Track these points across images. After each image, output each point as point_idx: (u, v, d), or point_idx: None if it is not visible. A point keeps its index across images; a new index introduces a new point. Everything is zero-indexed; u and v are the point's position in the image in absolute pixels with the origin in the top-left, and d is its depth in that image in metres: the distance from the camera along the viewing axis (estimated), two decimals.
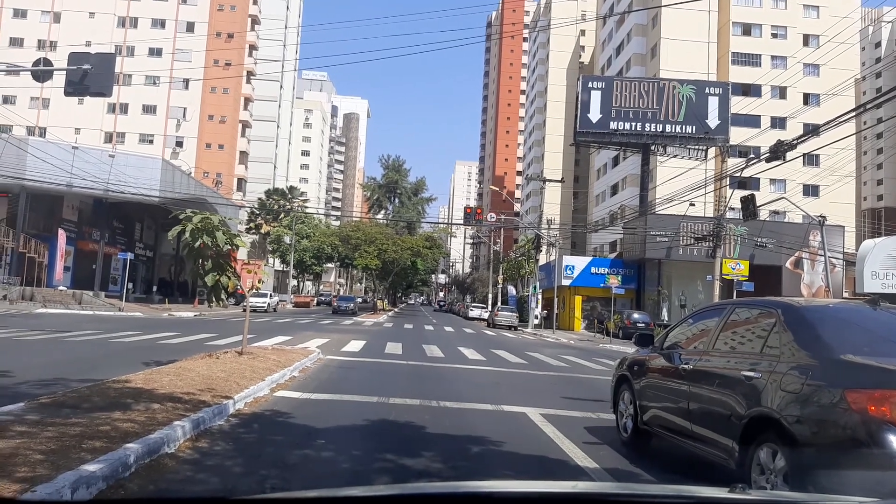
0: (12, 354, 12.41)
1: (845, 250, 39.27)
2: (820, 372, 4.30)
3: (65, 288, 35.53)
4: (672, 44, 55.55)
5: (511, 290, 64.07)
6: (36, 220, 37.37)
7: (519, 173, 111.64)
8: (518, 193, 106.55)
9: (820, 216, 31.92)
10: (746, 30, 55.66)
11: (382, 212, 79.66)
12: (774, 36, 55.46)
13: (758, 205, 26.26)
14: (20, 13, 66.71)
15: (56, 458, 4.29)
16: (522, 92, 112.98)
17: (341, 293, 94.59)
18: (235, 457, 5.56)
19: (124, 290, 35.37)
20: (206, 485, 4.74)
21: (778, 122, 48.59)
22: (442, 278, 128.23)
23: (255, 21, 75.16)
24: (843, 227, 40.38)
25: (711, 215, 37.70)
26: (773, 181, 48.41)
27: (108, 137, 65.87)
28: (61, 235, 36.33)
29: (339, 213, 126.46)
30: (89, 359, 12.48)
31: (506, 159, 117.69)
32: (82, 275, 39.62)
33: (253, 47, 75.16)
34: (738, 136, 43.90)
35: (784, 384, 4.44)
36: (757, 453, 4.53)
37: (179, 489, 4.55)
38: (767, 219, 38.86)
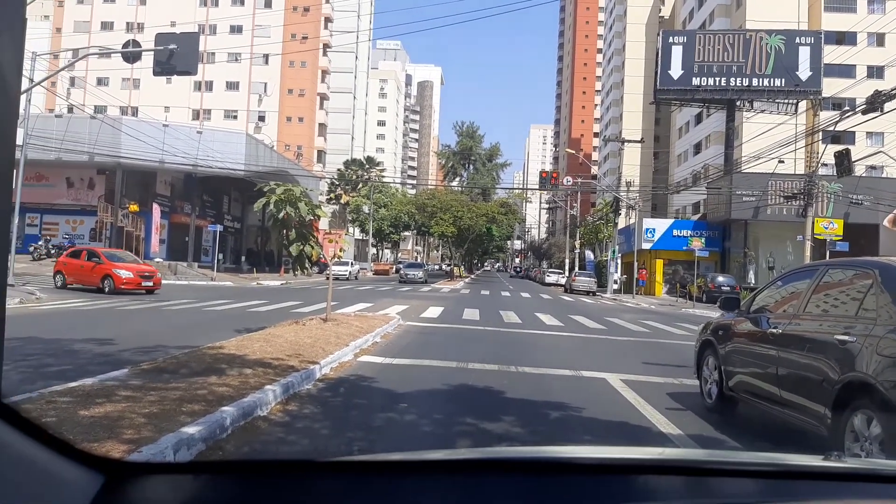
0: (115, 323, 13.24)
1: None
2: None
3: (161, 259, 37.40)
4: None
5: (589, 254, 63.18)
6: (132, 196, 39.35)
7: (596, 135, 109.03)
8: (595, 156, 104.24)
9: None
10: None
11: (457, 179, 79.60)
12: None
13: (853, 160, 24.81)
14: None
15: (158, 420, 4.56)
16: (599, 51, 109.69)
17: (418, 260, 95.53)
18: (323, 420, 5.78)
19: (215, 261, 36.94)
20: (297, 446, 4.96)
21: (875, 72, 45.36)
22: (518, 244, 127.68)
23: None
24: None
25: (802, 172, 35.85)
26: (869, 134, 45.50)
27: (196, 114, 68.32)
28: (156, 210, 38.11)
29: (414, 182, 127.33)
30: (185, 326, 13.17)
31: (582, 121, 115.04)
32: (176, 247, 41.57)
33: (328, 19, 75.85)
34: (830, 87, 41.30)
35: (881, 348, 4.24)
36: (851, 420, 4.37)
37: (273, 451, 4.78)
38: (863, 174, 36.65)
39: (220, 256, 41.56)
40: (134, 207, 36.40)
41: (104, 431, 4.19)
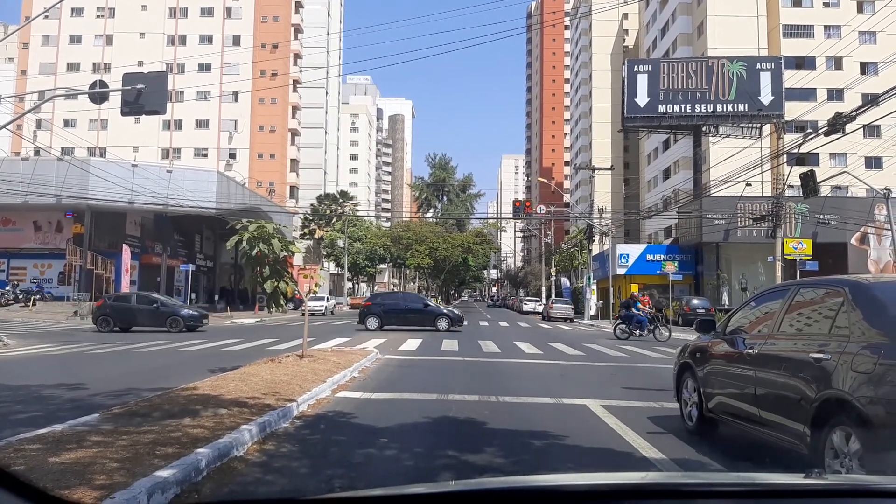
0: (86, 367, 12.93)
1: None
2: (893, 350, 4.14)
3: None
4: (719, 20, 54.06)
5: (565, 281, 63.49)
6: (101, 238, 38.80)
7: (567, 163, 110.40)
8: (567, 184, 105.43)
9: (885, 189, 30.61)
10: (797, 0, 53.74)
11: (431, 210, 79.92)
12: (826, 5, 53.36)
13: (818, 181, 25.38)
14: (75, 39, 69.35)
15: (131, 465, 4.44)
16: (566, 81, 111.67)
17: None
18: (301, 458, 5.67)
19: (187, 301, 36.40)
20: (275, 486, 4.85)
21: (835, 94, 46.76)
22: (494, 273, 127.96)
23: (297, 30, 76.33)
24: None
25: (769, 194, 36.58)
26: (832, 155, 46.67)
27: (165, 153, 67.92)
28: (126, 251, 37.61)
29: (389, 215, 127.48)
30: (157, 368, 12.90)
31: (553, 150, 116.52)
32: (147, 288, 40.87)
33: (297, 56, 76.35)
34: (793, 110, 42.40)
35: (855, 364, 4.29)
36: (830, 437, 4.40)
37: (250, 491, 4.67)
38: (829, 195, 37.51)
39: (193, 296, 41.02)
40: (76, 229, 35.80)
41: (75, 478, 4.07)
